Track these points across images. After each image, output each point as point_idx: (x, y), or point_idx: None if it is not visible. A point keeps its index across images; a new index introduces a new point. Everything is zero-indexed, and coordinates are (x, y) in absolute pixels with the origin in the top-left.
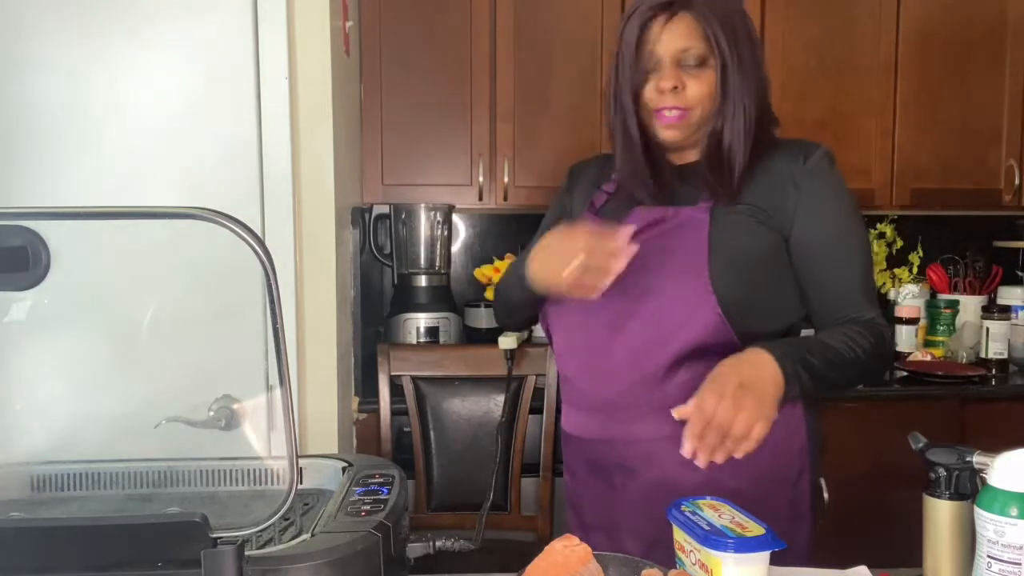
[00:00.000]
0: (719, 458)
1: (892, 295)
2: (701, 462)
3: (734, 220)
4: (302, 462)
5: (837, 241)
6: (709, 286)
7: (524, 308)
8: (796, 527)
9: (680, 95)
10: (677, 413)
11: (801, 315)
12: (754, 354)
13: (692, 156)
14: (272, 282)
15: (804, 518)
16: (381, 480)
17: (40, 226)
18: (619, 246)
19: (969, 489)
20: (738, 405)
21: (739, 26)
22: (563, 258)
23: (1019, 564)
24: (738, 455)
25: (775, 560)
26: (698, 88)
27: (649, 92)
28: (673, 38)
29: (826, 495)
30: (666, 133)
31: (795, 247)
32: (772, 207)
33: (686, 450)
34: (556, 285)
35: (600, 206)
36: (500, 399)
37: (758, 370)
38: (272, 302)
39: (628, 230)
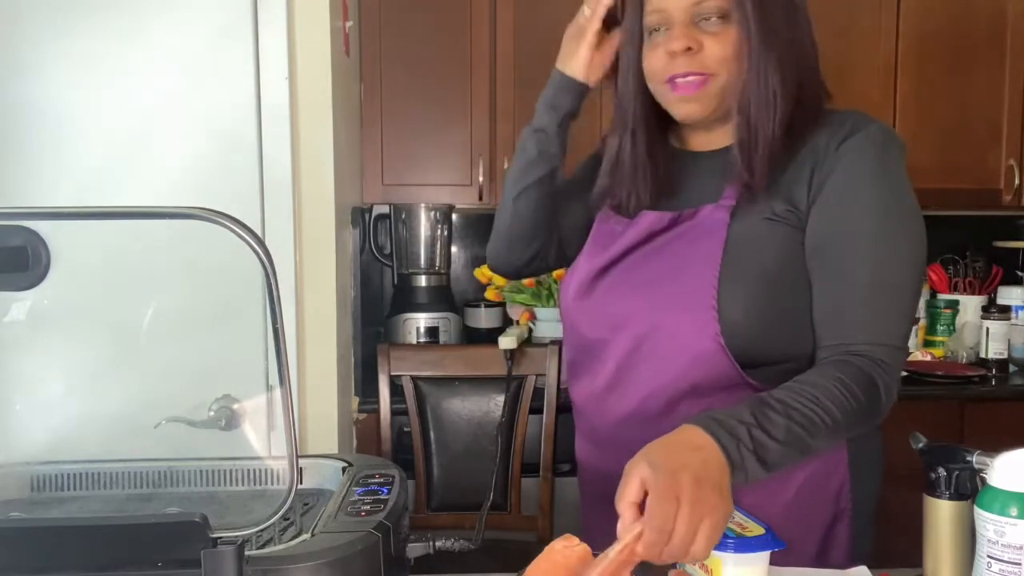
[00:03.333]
0: None
1: None
2: None
3: (755, 223)
4: (302, 462)
5: (849, 241)
6: (715, 312)
7: (533, 182)
8: None
9: (696, 58)
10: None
11: None
12: (690, 435)
13: (718, 140)
14: (272, 282)
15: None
16: (381, 480)
17: (40, 226)
18: None
19: (969, 489)
20: (697, 511)
21: None
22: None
23: (1019, 564)
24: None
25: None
26: (719, 48)
27: (657, 59)
28: None
29: None
30: (684, 108)
31: (806, 248)
32: (797, 199)
33: None
34: (583, 26)
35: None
36: (500, 399)
37: (703, 457)
38: (272, 302)
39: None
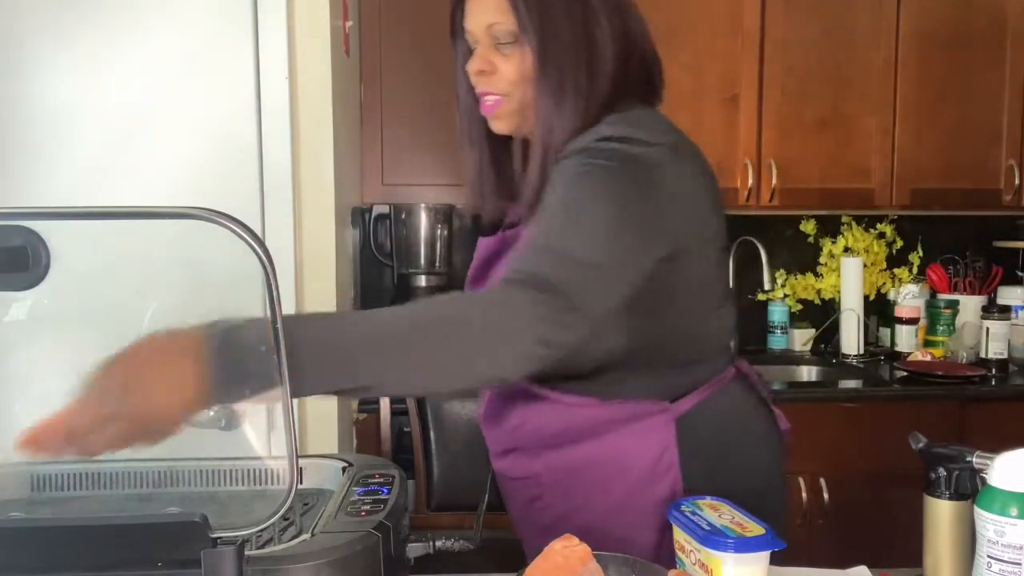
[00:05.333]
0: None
1: (892, 295)
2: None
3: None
4: (302, 462)
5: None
6: None
7: None
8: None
9: (491, 79)
10: None
11: (623, 348)
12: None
13: None
14: (272, 282)
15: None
16: (381, 480)
17: (40, 226)
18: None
19: (969, 489)
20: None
21: None
22: None
23: (1019, 564)
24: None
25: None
26: (510, 70)
27: (470, 77)
28: (480, 11)
29: (826, 495)
30: (492, 124)
31: None
32: None
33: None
34: None
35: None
36: None
37: (161, 366)
38: (272, 302)
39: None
